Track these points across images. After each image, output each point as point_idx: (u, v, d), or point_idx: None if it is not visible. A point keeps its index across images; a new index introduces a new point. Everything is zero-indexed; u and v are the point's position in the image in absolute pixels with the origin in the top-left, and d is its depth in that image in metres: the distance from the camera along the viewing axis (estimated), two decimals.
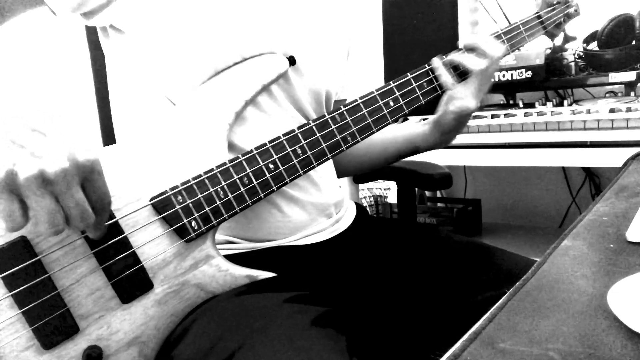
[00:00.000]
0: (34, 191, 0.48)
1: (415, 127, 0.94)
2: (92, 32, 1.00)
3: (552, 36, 1.05)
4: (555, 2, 1.01)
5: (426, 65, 0.82)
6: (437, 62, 0.82)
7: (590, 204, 0.62)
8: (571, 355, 0.29)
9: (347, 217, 0.88)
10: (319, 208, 0.80)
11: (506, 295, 0.38)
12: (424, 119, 0.98)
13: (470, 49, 0.84)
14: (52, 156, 0.48)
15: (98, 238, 0.56)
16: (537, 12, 0.98)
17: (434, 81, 0.81)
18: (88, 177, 0.51)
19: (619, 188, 0.69)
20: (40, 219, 0.49)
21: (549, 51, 1.54)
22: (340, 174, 1.03)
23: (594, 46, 1.49)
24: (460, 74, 0.83)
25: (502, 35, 0.90)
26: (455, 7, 1.60)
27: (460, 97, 0.84)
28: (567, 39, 1.49)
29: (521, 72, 1.59)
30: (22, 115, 0.50)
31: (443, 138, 0.91)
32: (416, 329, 0.79)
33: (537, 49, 1.55)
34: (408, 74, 0.80)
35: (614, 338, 0.30)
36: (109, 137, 1.04)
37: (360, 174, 1.10)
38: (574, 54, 1.52)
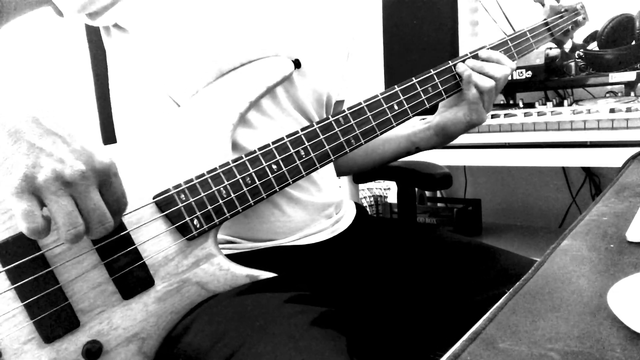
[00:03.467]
0: (53, 192, 0.48)
1: (418, 128, 0.95)
2: (92, 32, 1.00)
3: (559, 43, 1.05)
4: (563, 10, 1.01)
5: (431, 70, 0.82)
6: (463, 67, 0.83)
7: (590, 204, 0.62)
8: (571, 355, 0.29)
9: (347, 217, 0.89)
10: (319, 208, 0.81)
11: (506, 295, 0.38)
12: (423, 119, 0.98)
13: (486, 60, 0.84)
14: (70, 159, 0.49)
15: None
16: (545, 19, 0.98)
17: (439, 86, 0.81)
18: (106, 180, 0.52)
19: (619, 188, 0.70)
20: (59, 221, 0.49)
21: (556, 51, 1.53)
22: (339, 173, 1.03)
23: (594, 46, 1.49)
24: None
25: (509, 41, 0.90)
26: (455, 7, 1.60)
27: (480, 109, 0.85)
28: (575, 47, 1.49)
29: (521, 72, 1.58)
30: (38, 118, 0.50)
31: (445, 141, 0.92)
32: (416, 329, 0.79)
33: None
34: (413, 78, 0.80)
35: (614, 338, 0.30)
36: (109, 137, 1.04)
37: (359, 172, 1.09)
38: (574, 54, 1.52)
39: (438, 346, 0.75)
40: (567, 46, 1.51)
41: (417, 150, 0.96)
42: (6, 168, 0.48)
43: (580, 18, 1.02)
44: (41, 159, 0.48)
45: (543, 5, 1.01)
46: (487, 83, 0.82)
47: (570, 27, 1.01)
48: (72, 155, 0.50)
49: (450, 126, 0.88)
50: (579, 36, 1.49)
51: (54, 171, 0.48)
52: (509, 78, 1.58)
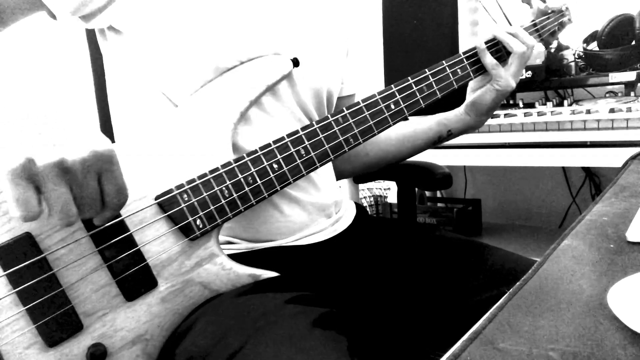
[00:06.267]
0: (51, 179, 0.48)
1: (447, 113, 0.97)
2: (91, 34, 1.00)
3: (546, 44, 1.07)
4: (550, 11, 1.02)
5: (426, 70, 0.83)
6: (480, 44, 0.87)
7: (590, 204, 0.63)
8: (571, 355, 0.29)
9: (346, 217, 0.89)
10: (319, 208, 0.81)
11: (506, 295, 0.38)
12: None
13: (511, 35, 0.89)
14: (71, 145, 0.49)
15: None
16: (533, 21, 0.99)
17: (434, 85, 0.82)
18: (107, 168, 0.51)
19: (619, 188, 0.70)
20: (54, 208, 0.49)
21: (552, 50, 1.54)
22: (368, 168, 1.04)
23: (594, 46, 1.49)
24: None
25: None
26: (455, 7, 1.60)
27: (503, 77, 0.88)
28: (560, 47, 1.50)
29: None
30: (40, 106, 0.50)
31: (478, 119, 0.94)
32: (416, 329, 0.79)
33: (537, 48, 1.55)
34: (409, 78, 0.81)
35: (614, 338, 0.31)
36: (109, 137, 1.04)
37: (393, 162, 1.06)
38: (574, 54, 1.53)
39: (438, 346, 0.76)
40: (552, 47, 1.52)
41: (450, 134, 0.97)
42: (6, 153, 0.47)
43: (565, 19, 1.04)
44: (42, 146, 0.48)
45: (531, 6, 1.03)
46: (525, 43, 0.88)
47: (556, 27, 1.03)
48: (73, 142, 0.49)
49: (478, 97, 0.91)
50: (578, 36, 1.50)
51: (54, 157, 0.48)
52: None
